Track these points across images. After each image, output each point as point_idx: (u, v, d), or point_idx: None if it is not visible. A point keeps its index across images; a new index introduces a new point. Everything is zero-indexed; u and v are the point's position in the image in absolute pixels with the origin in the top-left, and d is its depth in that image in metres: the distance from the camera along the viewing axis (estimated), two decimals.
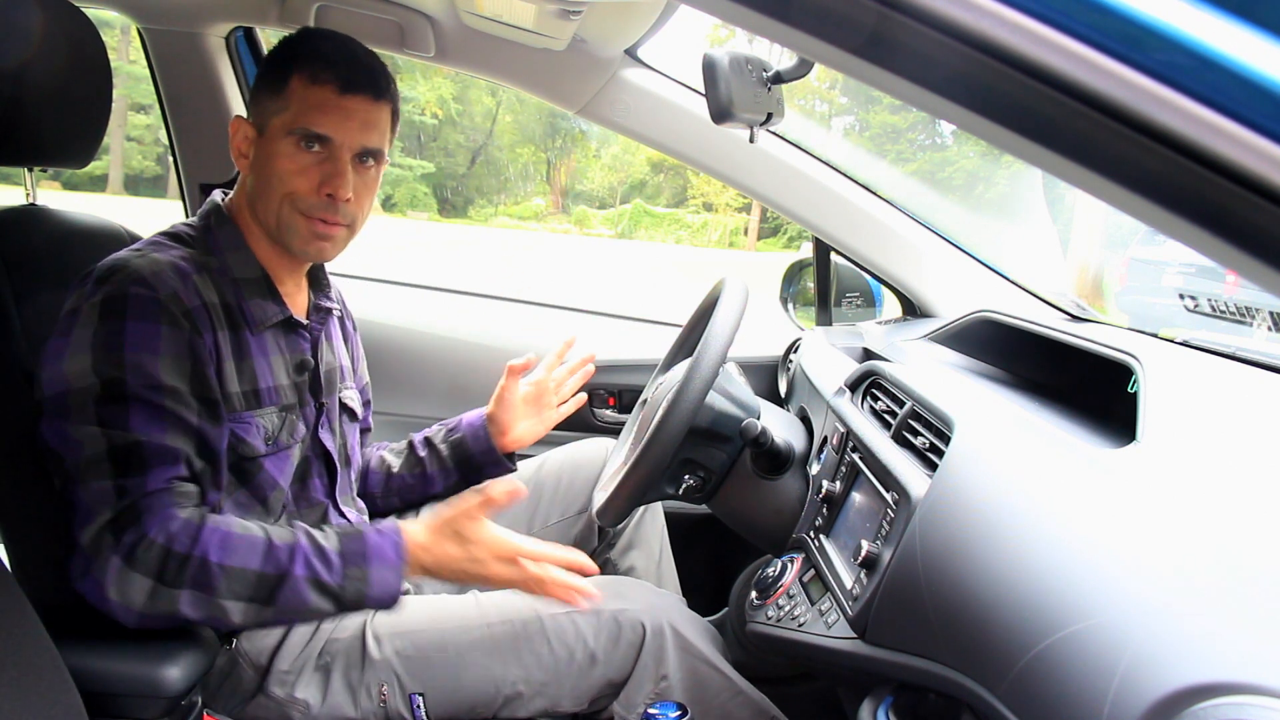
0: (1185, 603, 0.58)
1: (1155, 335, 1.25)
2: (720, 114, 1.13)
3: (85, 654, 0.94)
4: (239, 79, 1.84)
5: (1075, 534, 0.71)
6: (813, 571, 1.12)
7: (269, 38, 1.89)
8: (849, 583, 0.97)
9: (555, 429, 1.52)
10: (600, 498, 1.24)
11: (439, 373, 1.95)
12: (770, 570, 1.19)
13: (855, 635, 0.92)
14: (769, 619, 1.13)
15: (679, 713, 1.00)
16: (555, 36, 1.55)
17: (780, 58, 1.19)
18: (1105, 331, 1.22)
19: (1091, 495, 0.76)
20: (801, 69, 1.16)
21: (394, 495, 1.44)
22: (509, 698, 1.17)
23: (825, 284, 1.80)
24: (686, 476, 1.26)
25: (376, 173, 1.17)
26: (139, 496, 0.97)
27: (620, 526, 1.46)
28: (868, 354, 1.54)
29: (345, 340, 1.37)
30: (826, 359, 1.53)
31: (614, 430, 1.79)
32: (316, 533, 1.04)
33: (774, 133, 1.64)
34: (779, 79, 1.16)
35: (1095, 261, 2.78)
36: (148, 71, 1.81)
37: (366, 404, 1.41)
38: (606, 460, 1.47)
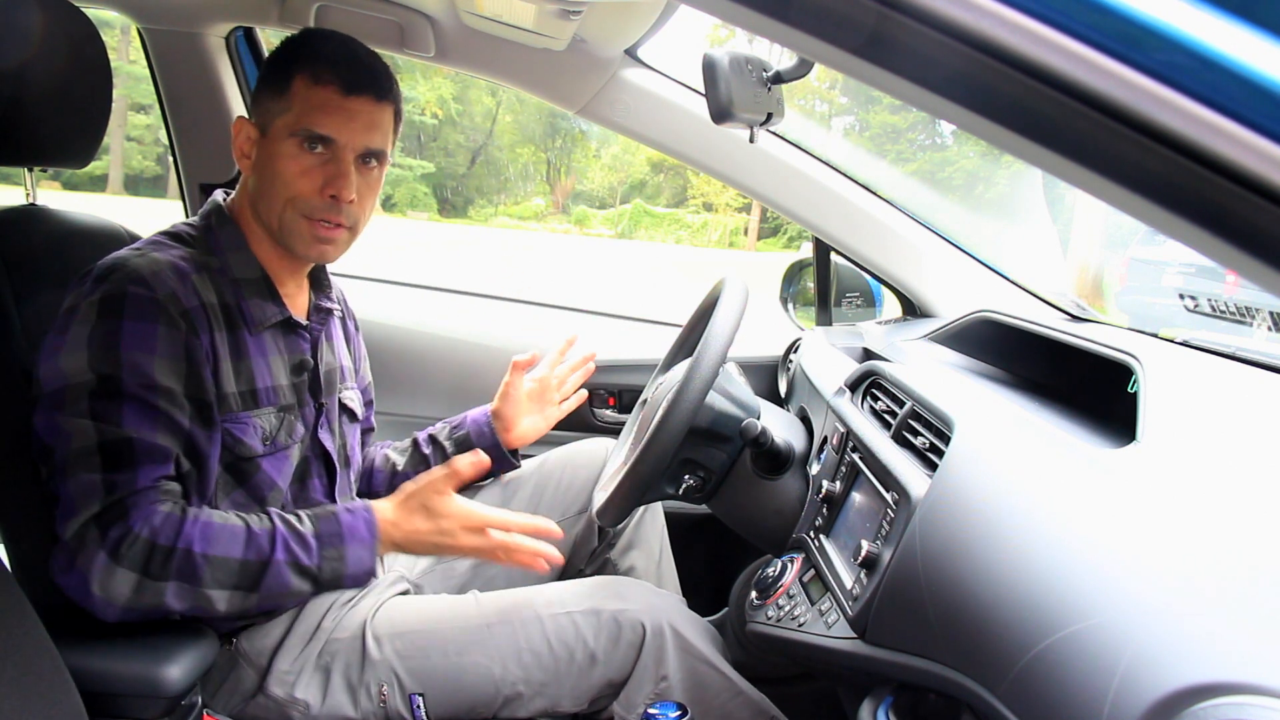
0: (1185, 603, 0.58)
1: (1155, 335, 1.25)
2: (720, 114, 1.13)
3: (85, 654, 0.94)
4: (239, 79, 1.84)
5: (1075, 534, 0.71)
6: (813, 571, 1.12)
7: (269, 38, 1.89)
8: (849, 583, 0.97)
9: (555, 428, 1.52)
10: (600, 498, 1.24)
11: (439, 373, 1.95)
12: (770, 570, 1.19)
13: (855, 635, 0.92)
14: (769, 619, 1.13)
15: (679, 713, 1.00)
16: (555, 36, 1.55)
17: (780, 58, 1.19)
18: (1105, 331, 1.22)
19: (1091, 495, 0.76)
20: (801, 69, 1.15)
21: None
22: (509, 698, 1.17)
23: (825, 284, 1.80)
24: (686, 476, 1.26)
25: (379, 174, 1.17)
26: (127, 493, 0.97)
27: (620, 526, 1.46)
28: (868, 354, 1.54)
29: (347, 340, 1.37)
30: (826, 359, 1.53)
31: (614, 430, 1.79)
32: (291, 517, 1.07)
33: (774, 133, 1.64)
34: (779, 79, 1.16)
35: (1095, 261, 2.78)
36: (148, 71, 1.81)
37: (369, 404, 1.41)
38: (606, 460, 1.47)
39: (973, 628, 0.73)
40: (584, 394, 1.54)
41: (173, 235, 1.14)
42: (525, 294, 2.22)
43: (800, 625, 1.05)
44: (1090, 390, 1.17)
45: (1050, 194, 2.17)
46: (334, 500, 1.25)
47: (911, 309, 1.74)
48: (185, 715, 1.01)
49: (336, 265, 1.25)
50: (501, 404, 1.47)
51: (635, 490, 1.16)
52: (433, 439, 1.47)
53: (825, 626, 0.99)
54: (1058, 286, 1.69)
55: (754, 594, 1.19)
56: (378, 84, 1.12)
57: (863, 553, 0.92)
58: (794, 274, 1.94)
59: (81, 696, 0.84)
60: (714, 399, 1.23)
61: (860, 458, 1.10)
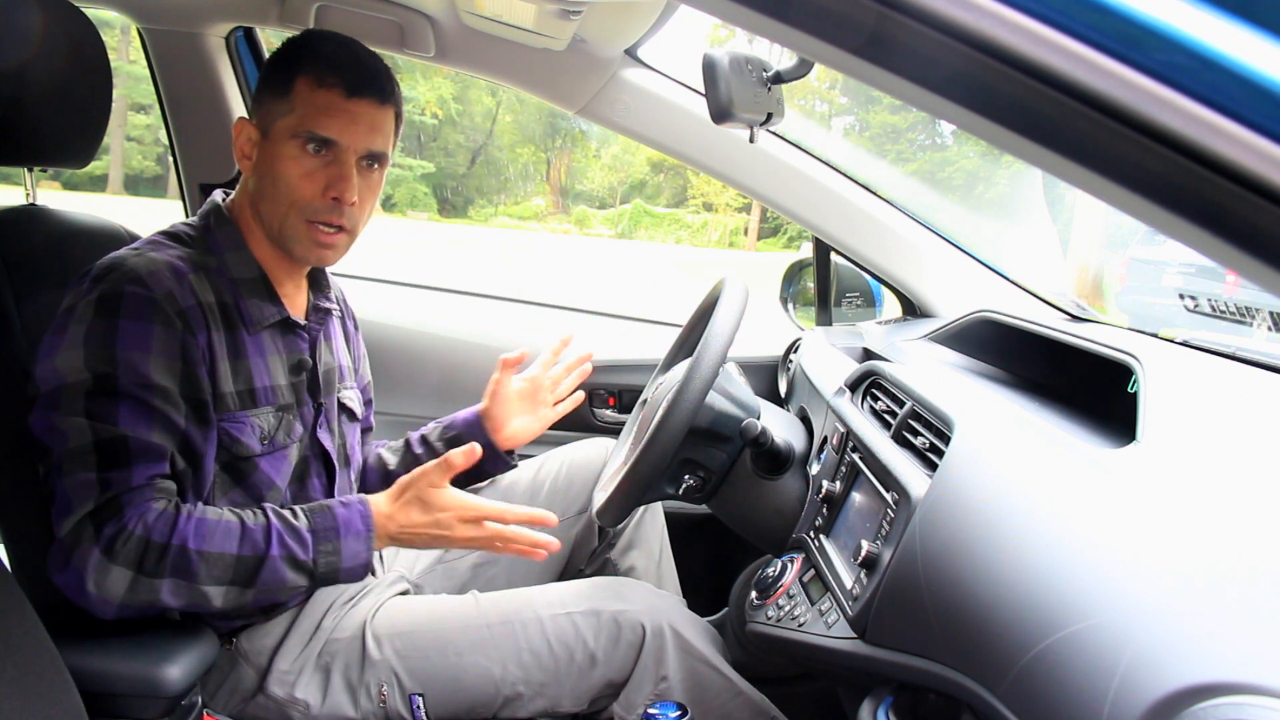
0: (1185, 603, 0.58)
1: (1155, 335, 1.25)
2: (720, 114, 1.13)
3: (85, 654, 0.95)
4: (239, 79, 1.84)
5: (1075, 534, 0.71)
6: (813, 571, 1.12)
7: (269, 38, 1.89)
8: (849, 583, 0.97)
9: (555, 429, 1.51)
10: (600, 498, 1.24)
11: (439, 372, 1.95)
12: (770, 570, 1.19)
13: (855, 635, 0.92)
14: (769, 619, 1.13)
15: (679, 713, 1.00)
16: (555, 36, 1.55)
17: (780, 58, 1.19)
18: (1105, 331, 1.22)
19: (1091, 495, 0.76)
20: (801, 69, 1.15)
21: None
22: (509, 698, 1.17)
23: (825, 284, 1.80)
24: (686, 476, 1.26)
25: (380, 176, 1.17)
26: (121, 491, 0.98)
27: (620, 526, 1.46)
28: (868, 354, 1.54)
29: (346, 340, 1.36)
30: (826, 359, 1.53)
31: (614, 430, 1.79)
32: (286, 512, 1.06)
33: (774, 133, 1.64)
34: (779, 79, 1.16)
35: (1095, 261, 2.78)
36: (148, 71, 1.81)
37: (368, 404, 1.41)
38: (606, 460, 1.47)
39: (973, 628, 0.73)
40: (580, 396, 1.51)
41: (171, 235, 1.14)
42: (525, 294, 2.22)
43: (800, 625, 1.05)
44: (1090, 390, 1.17)
45: (1050, 194, 2.17)
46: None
47: (911, 309, 1.74)
48: (185, 715, 1.01)
49: (336, 265, 1.25)
50: (490, 404, 1.44)
51: (635, 490, 1.16)
52: (424, 439, 1.46)
53: (825, 626, 0.99)
54: (1058, 286, 1.69)
55: (754, 594, 1.19)
56: (380, 86, 1.12)
57: (863, 553, 0.92)
58: (794, 274, 1.94)
59: (81, 696, 0.84)
60: (714, 399, 1.23)
61: (860, 458, 1.10)
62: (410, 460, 1.45)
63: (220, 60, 1.80)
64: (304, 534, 1.04)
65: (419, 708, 1.15)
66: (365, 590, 1.24)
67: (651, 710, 1.01)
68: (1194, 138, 0.43)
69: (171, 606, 1.00)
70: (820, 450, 1.29)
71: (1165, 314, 2.13)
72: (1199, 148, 0.43)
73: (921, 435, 1.03)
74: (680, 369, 1.25)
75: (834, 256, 1.78)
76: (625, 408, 1.91)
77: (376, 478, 1.44)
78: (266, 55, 1.87)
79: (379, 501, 1.10)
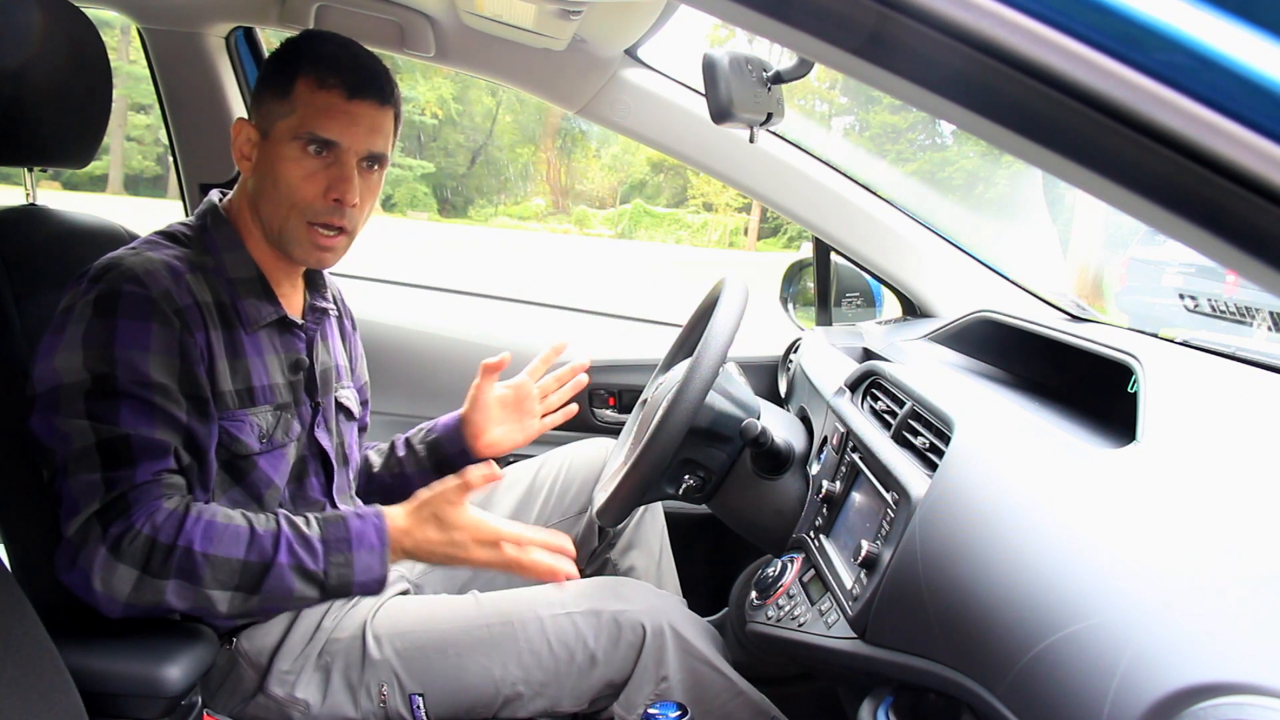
0: (1185, 603, 0.58)
1: (1155, 335, 1.25)
2: (720, 114, 1.13)
3: (85, 654, 0.94)
4: (239, 79, 1.84)
5: (1075, 534, 0.71)
6: (813, 571, 1.12)
7: (269, 38, 1.89)
8: (849, 583, 0.97)
9: (556, 429, 1.50)
10: (600, 498, 1.24)
11: (439, 373, 1.95)
12: (770, 570, 1.19)
13: (855, 635, 0.92)
14: (769, 619, 1.13)
15: (679, 713, 1.00)
16: (555, 36, 1.55)
17: (780, 58, 1.19)
18: (1105, 331, 1.22)
19: (1091, 495, 0.76)
20: (801, 69, 1.16)
21: (375, 495, 1.42)
22: (509, 698, 1.17)
23: (825, 284, 1.80)
24: (686, 476, 1.26)
25: (379, 176, 1.17)
26: (127, 489, 0.97)
27: (620, 526, 1.46)
28: (868, 354, 1.54)
29: (343, 340, 1.36)
30: (826, 359, 1.53)
31: (614, 430, 1.79)
32: (298, 519, 1.05)
33: (774, 133, 1.64)
34: (779, 79, 1.16)
35: (1095, 261, 2.78)
36: (148, 71, 1.81)
37: (364, 403, 1.40)
38: (606, 460, 1.47)
39: (973, 628, 0.73)
40: (573, 409, 1.46)
41: (168, 235, 1.14)
42: (525, 294, 2.22)
43: (800, 625, 1.05)
44: (1090, 390, 1.17)
45: (1050, 194, 2.17)
46: (331, 498, 1.24)
47: (911, 309, 1.74)
48: (185, 715, 1.01)
49: (336, 265, 1.25)
50: (469, 409, 1.40)
51: (635, 490, 1.16)
52: (408, 442, 1.45)
53: (825, 626, 0.99)
54: (1058, 286, 1.69)
55: (754, 594, 1.19)
56: (380, 88, 1.12)
57: (863, 553, 0.92)
58: (794, 274, 1.94)
59: (81, 696, 0.84)
60: (714, 399, 1.23)
61: (860, 458, 1.10)
62: (394, 462, 1.44)
63: (220, 60, 1.80)
64: (315, 543, 1.03)
65: (419, 708, 1.15)
66: None
67: (652, 710, 1.01)
68: (1194, 138, 0.43)
69: (177, 609, 0.99)
70: (820, 450, 1.29)
71: (1165, 314, 2.13)
72: (1199, 148, 0.43)
73: (921, 435, 1.03)
74: (680, 369, 1.25)
75: (834, 256, 1.78)
76: (625, 408, 1.91)
77: (361, 479, 1.43)
78: (266, 55, 1.87)
79: (395, 515, 1.08)
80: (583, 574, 1.45)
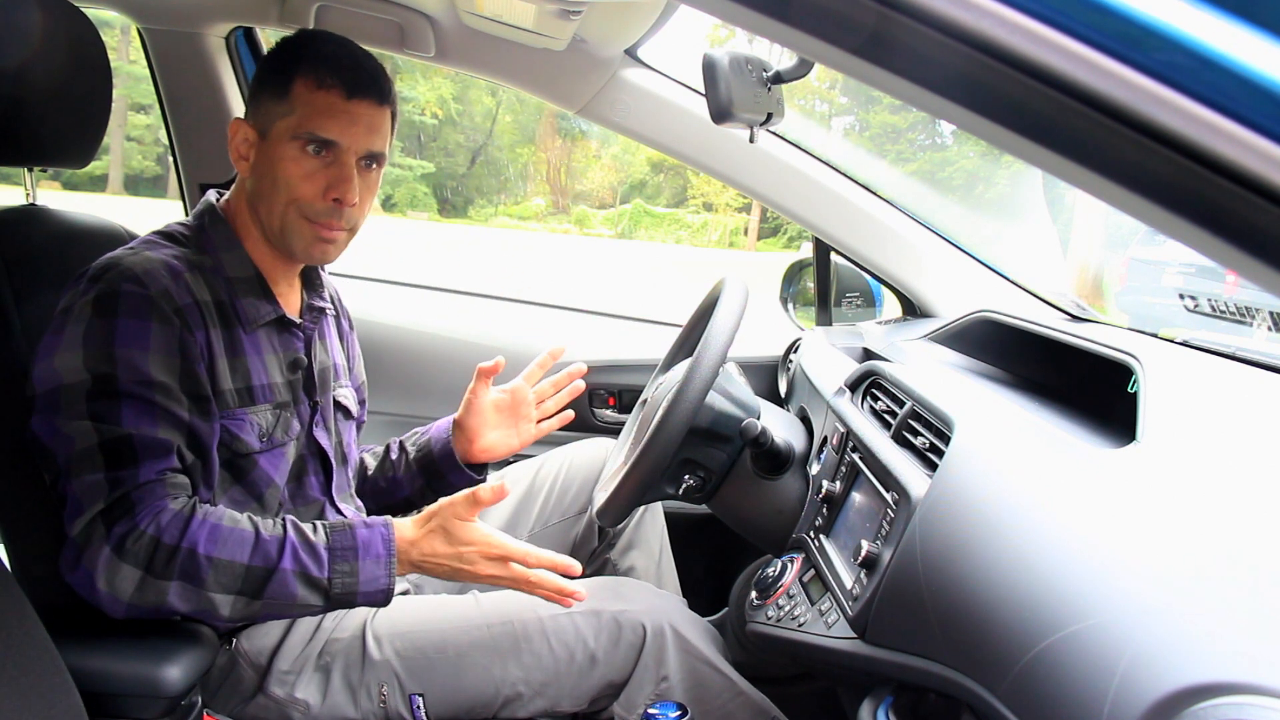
0: (1185, 603, 0.58)
1: (1155, 335, 1.25)
2: (720, 114, 1.13)
3: (85, 654, 0.94)
4: (239, 79, 1.84)
5: (1075, 534, 0.71)
6: (813, 571, 1.12)
7: (269, 38, 1.89)
8: (849, 583, 0.97)
9: (556, 430, 1.51)
10: (600, 498, 1.24)
11: (438, 373, 1.95)
12: (770, 570, 1.19)
13: (855, 635, 0.92)
14: (769, 619, 1.13)
15: (679, 713, 1.00)
16: (555, 36, 1.55)
17: (780, 58, 1.19)
18: (1105, 331, 1.22)
19: (1091, 495, 0.76)
20: (801, 69, 1.16)
21: (368, 498, 1.42)
22: (509, 698, 1.17)
23: (825, 284, 1.80)
24: (686, 476, 1.26)
25: (378, 175, 1.17)
26: (131, 488, 0.97)
27: (620, 526, 1.46)
28: (868, 354, 1.54)
29: (341, 339, 1.36)
30: (826, 359, 1.53)
31: (614, 430, 1.79)
32: (305, 526, 1.05)
33: (774, 133, 1.64)
34: (779, 79, 1.16)
35: (1095, 261, 2.78)
36: (148, 71, 1.81)
37: (362, 403, 1.40)
38: (606, 460, 1.47)
39: (973, 628, 0.73)
40: (569, 415, 1.45)
41: (166, 235, 1.15)
42: (525, 294, 2.22)
43: (800, 625, 1.05)
44: (1090, 390, 1.17)
45: (1050, 194, 2.17)
46: (330, 497, 1.25)
47: (911, 309, 1.74)
48: (185, 715, 1.01)
49: (335, 264, 1.25)
50: (463, 414, 1.39)
51: (635, 490, 1.16)
52: (402, 444, 1.45)
53: (825, 626, 0.99)
54: (1058, 286, 1.69)
55: (754, 594, 1.19)
56: (379, 87, 1.12)
57: (863, 553, 0.92)
58: (794, 274, 1.94)
59: (81, 696, 0.84)
60: (714, 399, 1.23)
61: (860, 458, 1.10)
62: (386, 465, 1.44)
63: (220, 60, 1.80)
64: (320, 551, 1.02)
65: (419, 708, 1.15)
66: None
67: (652, 710, 1.01)
68: (1194, 138, 0.43)
69: (180, 611, 0.99)
70: (820, 450, 1.29)
71: (1165, 314, 2.13)
72: (1199, 148, 0.43)
73: (921, 435, 1.03)
74: (680, 369, 1.25)
75: (834, 256, 1.78)
76: (625, 408, 1.91)
77: (357, 482, 1.43)
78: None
79: (403, 526, 1.08)
80: (583, 574, 1.46)
